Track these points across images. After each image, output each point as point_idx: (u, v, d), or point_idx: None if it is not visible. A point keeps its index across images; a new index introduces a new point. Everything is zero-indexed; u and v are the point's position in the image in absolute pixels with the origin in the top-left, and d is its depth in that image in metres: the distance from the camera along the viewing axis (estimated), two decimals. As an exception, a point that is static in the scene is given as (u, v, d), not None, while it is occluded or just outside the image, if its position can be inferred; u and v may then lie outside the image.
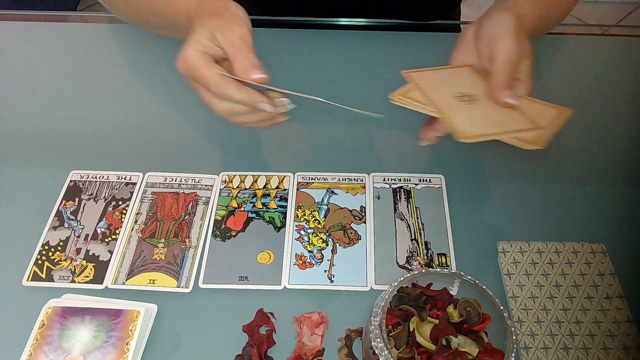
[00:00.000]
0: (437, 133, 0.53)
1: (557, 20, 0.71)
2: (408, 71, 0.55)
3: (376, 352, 0.41)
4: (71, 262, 0.55)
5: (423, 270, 0.46)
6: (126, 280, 0.53)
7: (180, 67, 0.54)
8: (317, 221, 0.58)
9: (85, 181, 0.62)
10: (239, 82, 0.51)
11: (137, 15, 0.72)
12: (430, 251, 0.56)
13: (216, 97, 0.52)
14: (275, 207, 0.59)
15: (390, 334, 0.45)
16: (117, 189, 0.61)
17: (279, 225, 0.58)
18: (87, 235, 0.57)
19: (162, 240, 0.57)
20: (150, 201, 0.60)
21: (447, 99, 0.52)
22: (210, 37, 0.53)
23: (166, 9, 0.64)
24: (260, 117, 0.54)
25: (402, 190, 0.61)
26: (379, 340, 0.41)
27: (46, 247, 0.56)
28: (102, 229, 0.57)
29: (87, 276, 0.54)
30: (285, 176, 0.62)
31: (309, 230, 0.57)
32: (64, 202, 0.60)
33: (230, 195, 0.60)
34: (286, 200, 0.60)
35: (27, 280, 0.53)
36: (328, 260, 0.55)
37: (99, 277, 0.54)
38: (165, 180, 0.62)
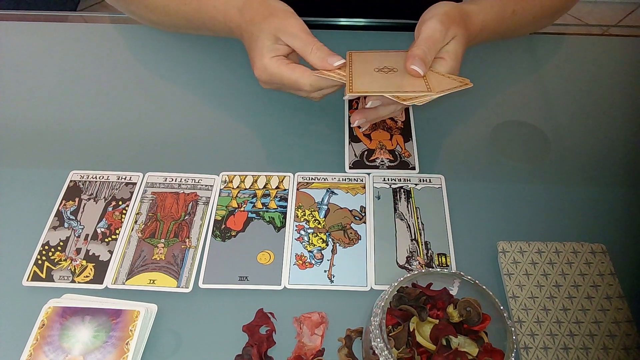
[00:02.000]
0: (359, 120, 0.59)
1: (541, 17, 0.72)
2: (352, 51, 0.60)
3: (376, 352, 0.41)
4: (71, 262, 0.55)
5: (423, 270, 0.46)
6: (126, 280, 0.53)
7: (261, 76, 0.59)
8: (317, 221, 0.58)
9: (85, 181, 0.62)
10: (322, 77, 0.57)
11: (161, 18, 0.73)
12: (430, 251, 0.56)
13: (312, 92, 0.58)
14: (275, 207, 0.59)
15: (390, 334, 0.45)
16: (117, 189, 0.61)
17: (279, 225, 0.58)
18: (87, 235, 0.57)
19: (162, 240, 0.57)
20: (150, 201, 0.60)
21: (366, 69, 0.56)
22: (274, 40, 0.58)
23: (200, 14, 0.67)
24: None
25: (402, 190, 0.61)
26: (379, 340, 0.41)
27: (46, 247, 0.56)
28: (102, 229, 0.57)
29: (87, 276, 0.54)
30: (285, 176, 0.62)
31: (309, 230, 0.57)
32: (64, 202, 0.60)
33: (230, 195, 0.60)
34: (286, 200, 0.60)
35: (27, 280, 0.53)
36: (328, 260, 0.55)
37: (99, 277, 0.54)
38: (165, 180, 0.62)
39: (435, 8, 0.59)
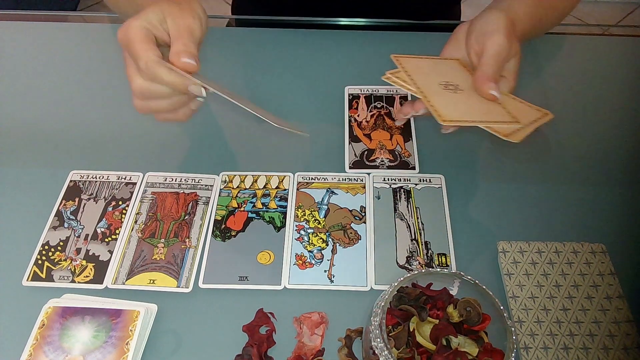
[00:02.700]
0: (413, 112, 0.54)
1: (554, 22, 0.71)
2: (397, 55, 0.57)
3: (376, 352, 0.41)
4: (71, 262, 0.55)
5: (423, 270, 0.46)
6: (126, 280, 0.53)
7: (120, 35, 0.51)
8: (317, 221, 0.58)
9: (85, 181, 0.62)
10: (169, 67, 0.50)
11: (123, 8, 0.72)
12: (430, 251, 0.56)
13: (142, 74, 0.50)
14: (275, 207, 0.59)
15: (390, 334, 0.45)
16: (117, 189, 0.61)
17: (279, 225, 0.58)
18: (87, 235, 0.57)
19: (162, 240, 0.57)
20: (150, 201, 0.60)
21: (432, 84, 0.53)
22: (160, 19, 0.52)
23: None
24: (174, 103, 0.53)
25: (402, 190, 0.61)
26: (379, 340, 0.41)
27: (46, 247, 0.56)
28: (102, 229, 0.57)
29: (87, 276, 0.54)
30: (285, 176, 0.62)
31: (309, 230, 0.57)
32: (64, 202, 0.60)
33: (230, 195, 0.60)
34: (286, 200, 0.60)
35: (27, 280, 0.53)
36: (328, 260, 0.55)
37: (99, 277, 0.54)
38: (165, 180, 0.62)
39: (493, 19, 0.54)
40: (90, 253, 0.56)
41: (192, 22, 0.53)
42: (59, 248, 0.56)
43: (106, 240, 0.57)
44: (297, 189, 0.61)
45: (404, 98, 0.70)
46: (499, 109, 0.52)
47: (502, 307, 0.43)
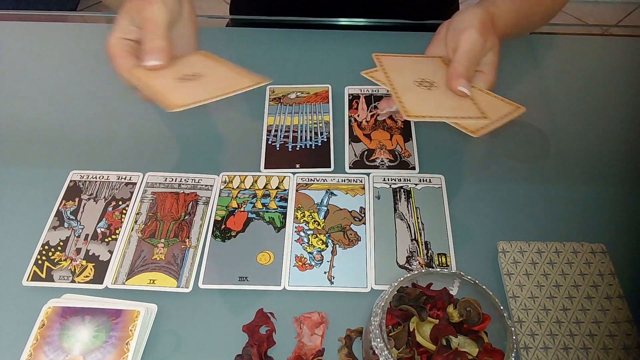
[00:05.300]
0: (388, 108, 0.57)
1: (542, 19, 0.71)
2: (379, 54, 0.58)
3: (376, 352, 0.41)
4: (71, 262, 0.55)
5: (423, 270, 0.46)
6: (126, 280, 0.53)
7: (106, 52, 0.54)
8: (316, 222, 0.58)
9: (85, 181, 0.62)
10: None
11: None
12: (430, 251, 0.56)
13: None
14: (275, 207, 0.59)
15: (390, 334, 0.45)
16: (117, 189, 0.61)
17: (279, 226, 0.58)
18: (87, 235, 0.57)
19: (162, 240, 0.57)
20: (150, 201, 0.60)
21: (406, 81, 0.54)
22: (130, 20, 0.53)
23: None
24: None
25: (402, 190, 0.61)
26: (379, 340, 0.41)
27: (46, 247, 0.56)
28: (102, 229, 0.57)
29: (87, 276, 0.54)
30: (285, 176, 0.62)
31: (309, 232, 0.57)
32: (64, 202, 0.60)
33: (230, 195, 0.60)
34: (286, 200, 0.60)
35: (27, 280, 0.53)
36: (328, 261, 0.55)
37: (99, 277, 0.54)
38: (165, 180, 0.62)
39: (469, 16, 0.55)
40: (90, 253, 0.56)
41: (151, 10, 0.52)
42: (59, 248, 0.56)
43: (106, 240, 0.57)
44: (297, 190, 0.61)
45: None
46: (470, 104, 0.52)
47: (502, 307, 0.43)
